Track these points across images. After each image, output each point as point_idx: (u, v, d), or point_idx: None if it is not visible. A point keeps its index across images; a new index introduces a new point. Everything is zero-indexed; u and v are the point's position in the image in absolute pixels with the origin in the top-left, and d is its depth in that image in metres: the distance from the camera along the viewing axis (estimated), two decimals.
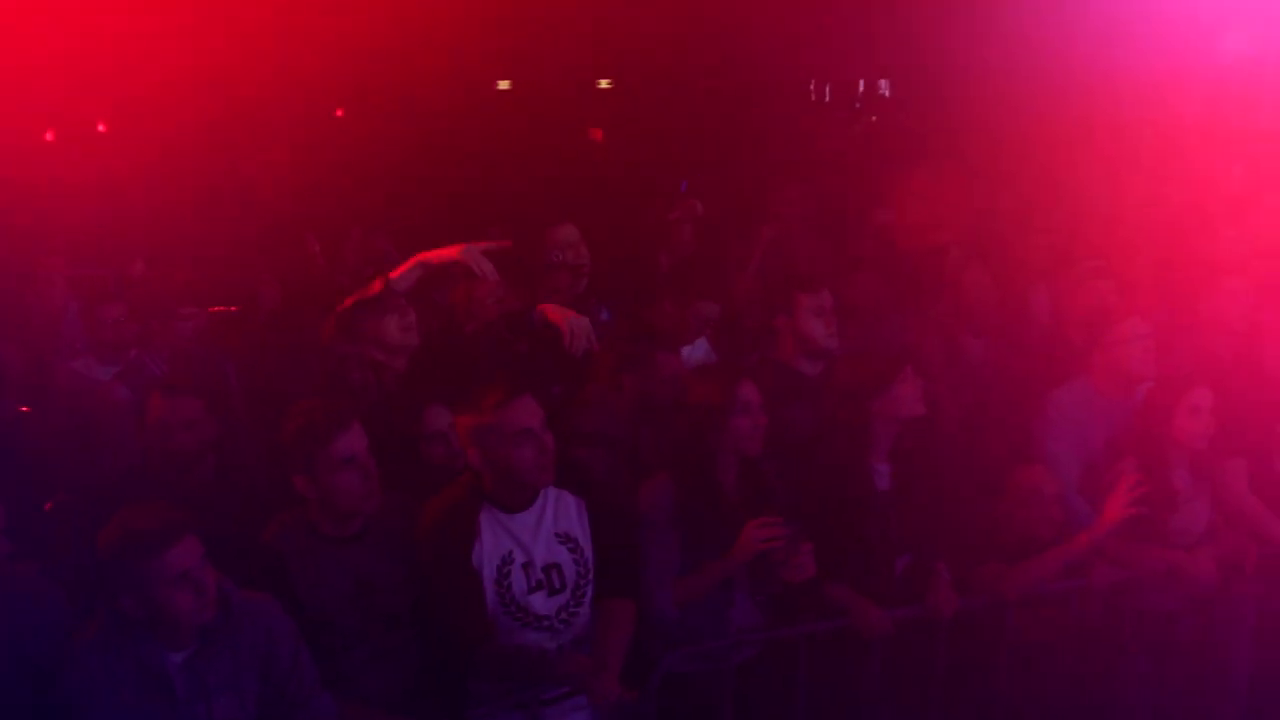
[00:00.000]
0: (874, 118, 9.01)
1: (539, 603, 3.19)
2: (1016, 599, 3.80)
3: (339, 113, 8.40)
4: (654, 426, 3.90)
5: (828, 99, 9.23)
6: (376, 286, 3.85)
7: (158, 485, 3.42)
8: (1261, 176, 5.78)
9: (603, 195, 7.04)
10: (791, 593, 3.55)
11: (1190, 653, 4.14)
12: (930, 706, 3.84)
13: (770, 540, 3.41)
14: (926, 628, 3.74)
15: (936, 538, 3.84)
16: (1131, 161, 5.77)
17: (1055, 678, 3.97)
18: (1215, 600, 4.07)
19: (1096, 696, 4.04)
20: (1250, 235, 5.13)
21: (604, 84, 9.00)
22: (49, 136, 8.27)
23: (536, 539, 3.21)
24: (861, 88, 9.27)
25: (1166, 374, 4.00)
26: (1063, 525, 3.95)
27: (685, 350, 4.64)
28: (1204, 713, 4.25)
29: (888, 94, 9.07)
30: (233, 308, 5.09)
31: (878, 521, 3.78)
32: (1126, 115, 6.22)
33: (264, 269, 5.55)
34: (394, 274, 3.97)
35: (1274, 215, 5.36)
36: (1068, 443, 4.07)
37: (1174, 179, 5.56)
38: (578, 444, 3.82)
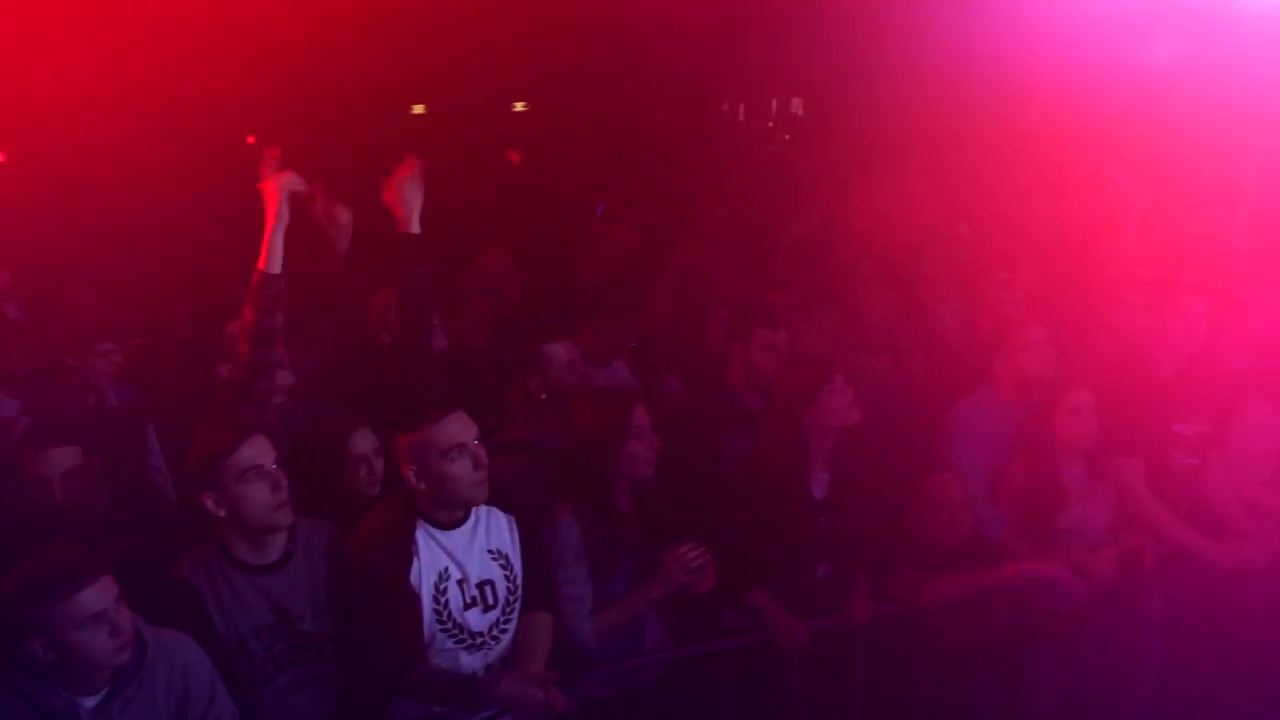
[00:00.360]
0: (787, 136, 9.20)
1: (474, 619, 3.23)
2: (931, 609, 3.91)
3: (250, 139, 8.30)
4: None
5: (742, 118, 9.39)
6: (255, 279, 3.77)
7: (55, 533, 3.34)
8: (1160, 186, 6.02)
9: (521, 218, 7.06)
10: (702, 604, 3.61)
11: (1099, 650, 4.28)
12: (851, 714, 3.92)
13: (693, 573, 3.46)
14: (844, 636, 3.83)
15: (862, 546, 3.93)
16: (1038, 172, 5.96)
17: (971, 681, 4.07)
18: (1120, 597, 4.22)
19: (1011, 697, 4.15)
20: (1146, 244, 5.34)
21: (519, 107, 9.04)
22: None
23: (471, 556, 3.25)
24: (775, 107, 9.45)
25: (1058, 377, 4.14)
26: (973, 531, 4.08)
27: (603, 371, 4.71)
28: (1115, 707, 4.40)
29: (800, 112, 9.25)
30: (137, 340, 4.99)
31: (810, 529, 3.87)
32: (1033, 127, 6.41)
33: (174, 299, 5.46)
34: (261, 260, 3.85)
35: (1169, 225, 5.59)
36: (974, 450, 4.19)
37: (1078, 189, 5.76)
38: (507, 454, 3.88)
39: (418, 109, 8.83)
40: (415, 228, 3.65)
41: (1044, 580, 3.95)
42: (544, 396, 4.11)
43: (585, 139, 7.90)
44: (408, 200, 3.65)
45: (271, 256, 3.49)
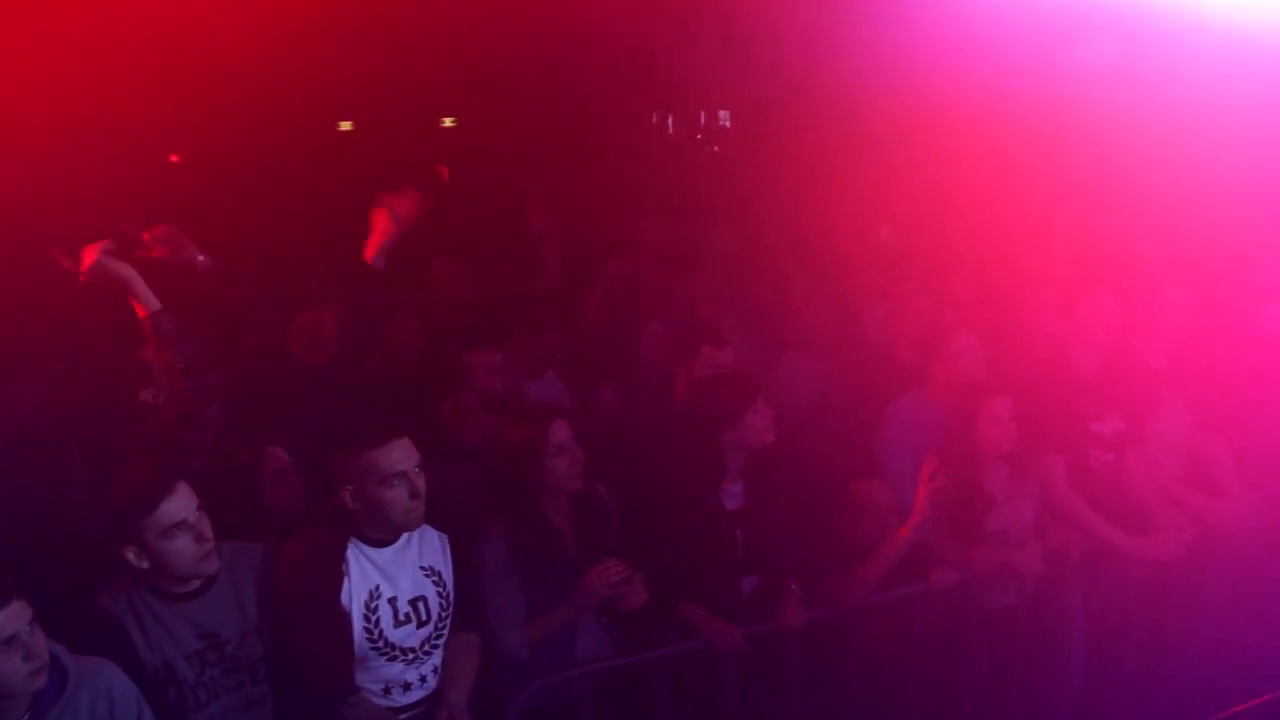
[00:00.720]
0: (716, 148, 9.29)
1: (405, 636, 3.24)
2: (855, 605, 3.97)
3: (174, 158, 8.16)
4: None
5: (670, 131, 9.46)
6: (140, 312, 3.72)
7: None
8: (1076, 191, 6.20)
9: (451, 231, 7.03)
10: (637, 616, 3.64)
11: (1027, 644, 4.39)
12: (786, 718, 3.96)
13: (615, 586, 3.49)
14: (778, 641, 3.88)
15: (786, 554, 3.99)
16: (960, 178, 6.09)
17: (902, 681, 4.15)
18: (1046, 592, 4.33)
19: (944, 695, 4.23)
20: (1063, 247, 5.50)
21: (448, 122, 9.00)
22: None
23: (403, 573, 3.26)
24: (703, 119, 9.54)
25: (978, 383, 4.24)
26: None
27: (535, 384, 4.72)
28: (1044, 700, 4.50)
29: (728, 124, 9.34)
30: (59, 364, 4.87)
31: (726, 540, 3.91)
32: (955, 133, 6.55)
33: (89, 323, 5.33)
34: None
35: (1085, 229, 5.76)
36: (907, 455, 4.27)
37: (1000, 194, 5.91)
38: (448, 460, 3.89)
39: (345, 125, 8.76)
40: (379, 263, 3.63)
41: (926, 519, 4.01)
42: (473, 404, 4.13)
43: (514, 153, 7.90)
44: (389, 232, 3.64)
45: (143, 301, 3.35)
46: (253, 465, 3.70)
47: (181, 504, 2.95)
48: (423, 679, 3.29)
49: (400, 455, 3.14)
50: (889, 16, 6.51)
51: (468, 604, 3.39)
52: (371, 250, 3.68)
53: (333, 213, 7.13)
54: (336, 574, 3.14)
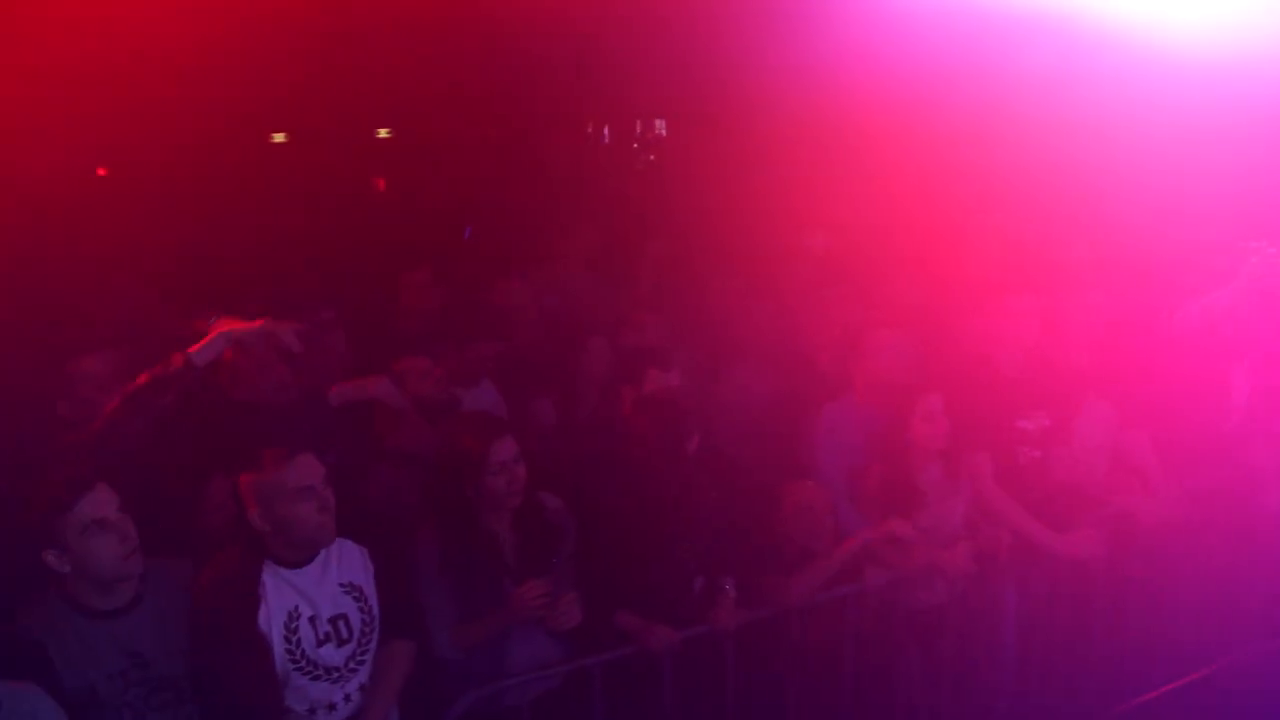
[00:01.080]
0: (652, 156, 9.35)
1: (328, 654, 3.22)
2: (797, 607, 4.01)
3: (101, 171, 8.04)
4: None
5: (606, 139, 9.49)
6: (177, 362, 3.74)
7: None
8: (1001, 196, 6.34)
9: (389, 242, 7.00)
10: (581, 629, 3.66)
11: (960, 641, 4.46)
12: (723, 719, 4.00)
13: (537, 599, 3.50)
14: (714, 643, 3.91)
15: (723, 557, 4.02)
16: (888, 183, 6.20)
17: (838, 679, 4.20)
18: (979, 588, 4.41)
19: (879, 694, 4.29)
20: (988, 250, 5.61)
21: (383, 133, 8.96)
22: None
23: (322, 591, 3.24)
24: (639, 128, 9.58)
25: (909, 383, 4.32)
26: (836, 534, 4.21)
27: (470, 392, 4.71)
28: (979, 695, 4.58)
29: (664, 133, 9.40)
30: None
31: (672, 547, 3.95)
32: (885, 138, 6.66)
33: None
34: (194, 348, 3.85)
35: (1010, 232, 5.89)
36: (836, 455, 4.34)
37: (928, 198, 6.02)
38: (386, 463, 3.87)
39: (278, 137, 8.68)
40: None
41: (884, 539, 4.08)
42: (403, 409, 4.13)
43: (450, 164, 7.89)
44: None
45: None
46: (192, 496, 3.68)
47: (101, 502, 2.93)
48: (347, 697, 3.27)
49: (305, 470, 3.14)
50: (820, 25, 6.61)
51: (399, 610, 3.38)
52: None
53: (265, 228, 7.11)
54: (250, 597, 3.12)
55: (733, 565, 3.98)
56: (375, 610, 3.32)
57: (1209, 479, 4.86)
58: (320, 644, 3.20)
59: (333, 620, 3.24)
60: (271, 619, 3.14)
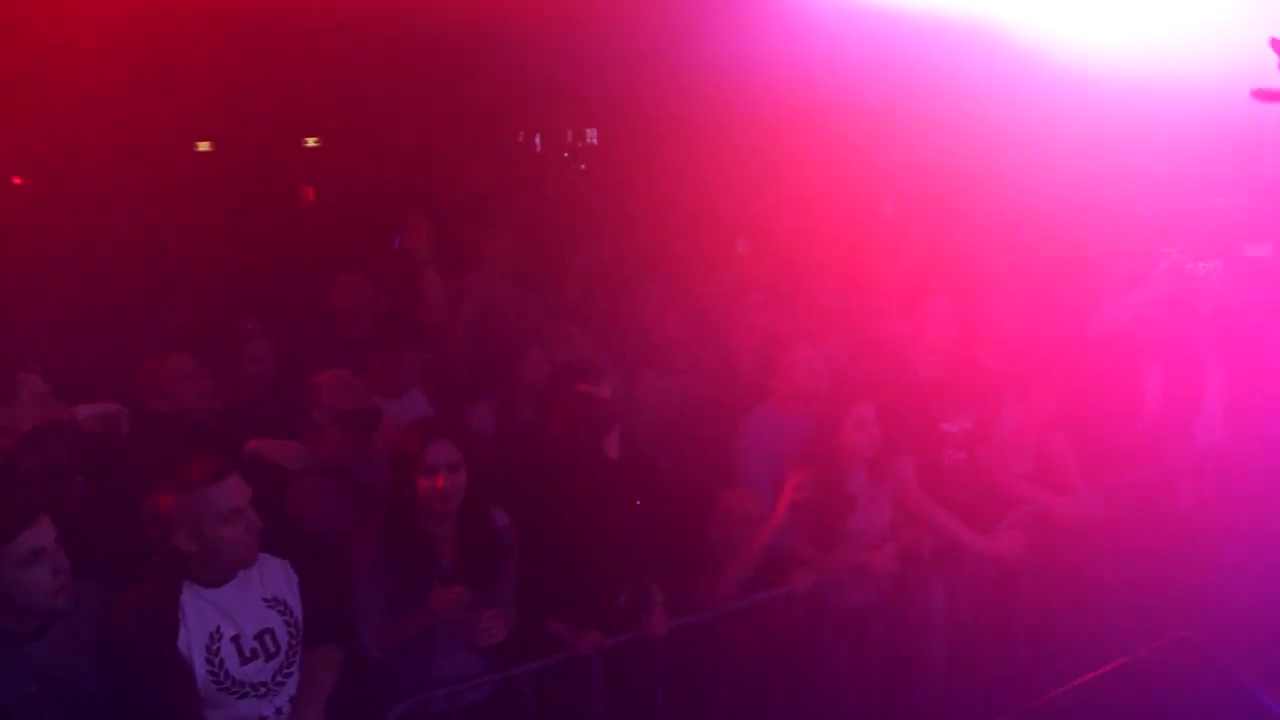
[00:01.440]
0: (583, 165, 9.36)
1: (254, 671, 3.19)
2: (719, 611, 4.05)
3: (16, 180, 7.84)
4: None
5: (538, 149, 9.49)
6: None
7: None
8: (921, 206, 6.47)
9: (320, 254, 6.93)
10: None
11: (888, 640, 4.54)
12: None
13: (455, 604, 3.49)
14: (645, 649, 3.93)
15: (652, 564, 4.04)
16: (811, 191, 6.29)
17: (768, 683, 4.25)
18: (906, 589, 4.49)
19: (809, 695, 4.35)
20: (908, 258, 5.72)
21: (311, 142, 8.86)
22: None
23: (245, 608, 3.20)
24: (570, 137, 9.59)
25: (837, 390, 4.39)
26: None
27: (398, 401, 4.69)
28: (907, 693, 4.66)
29: (595, 142, 9.42)
30: None
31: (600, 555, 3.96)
32: (804, 148, 6.77)
33: None
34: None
35: (929, 240, 6.01)
36: (762, 463, 4.39)
37: (847, 207, 6.13)
38: (312, 475, 3.83)
39: (203, 146, 8.54)
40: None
41: (787, 522, 4.13)
42: (322, 422, 4.11)
43: (380, 173, 7.83)
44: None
45: None
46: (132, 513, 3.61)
47: (41, 533, 2.89)
48: (278, 710, 3.24)
49: (233, 492, 3.10)
50: (746, 36, 6.69)
51: (325, 615, 3.35)
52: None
53: (190, 238, 6.99)
54: (168, 621, 3.07)
55: (661, 572, 4.01)
56: (300, 623, 3.29)
57: (1124, 478, 5.02)
58: (246, 662, 3.16)
59: (258, 636, 3.20)
60: (192, 642, 3.09)
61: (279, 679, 3.24)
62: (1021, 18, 7.10)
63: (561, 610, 3.84)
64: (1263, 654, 4.37)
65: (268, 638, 3.22)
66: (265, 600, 3.23)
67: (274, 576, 3.27)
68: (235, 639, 3.15)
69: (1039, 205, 6.14)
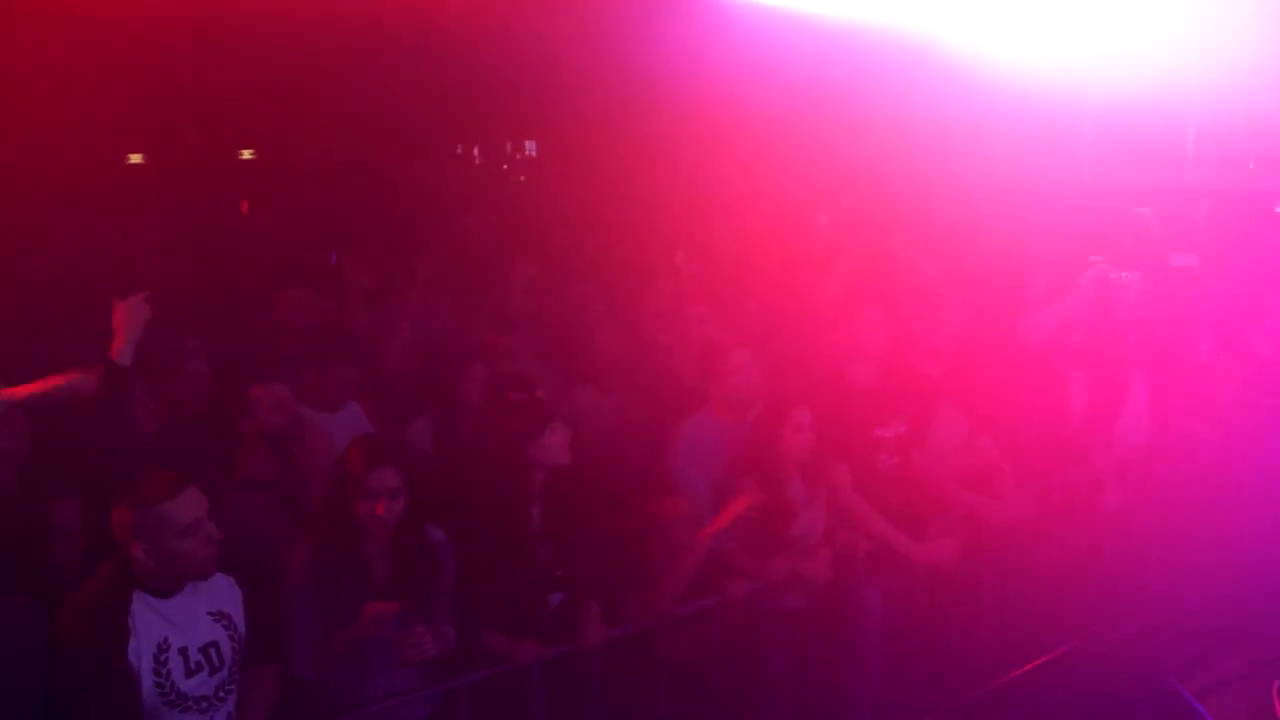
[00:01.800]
0: (522, 177, 9.38)
1: (199, 685, 3.17)
2: (656, 620, 4.08)
3: None
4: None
5: (477, 161, 9.48)
6: None
7: None
8: (857, 216, 6.58)
9: (254, 267, 6.87)
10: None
11: (825, 645, 4.60)
12: None
13: (386, 620, 3.50)
14: (582, 660, 3.95)
15: (588, 573, 4.06)
16: (748, 202, 6.38)
17: (707, 690, 4.29)
18: (840, 594, 4.55)
19: (746, 700, 4.40)
20: (845, 267, 5.83)
21: (246, 154, 8.77)
22: None
23: (193, 621, 3.19)
24: (509, 150, 9.60)
25: (774, 398, 4.46)
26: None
27: (335, 416, 4.66)
28: (845, 696, 4.73)
29: (534, 154, 9.44)
30: None
31: (530, 561, 3.97)
32: (740, 161, 6.85)
33: None
34: None
35: (865, 250, 6.12)
36: (697, 470, 4.43)
37: (786, 219, 6.21)
38: (238, 492, 3.81)
39: (135, 158, 8.41)
40: (126, 359, 3.56)
41: (728, 529, 4.17)
42: (251, 437, 4.10)
43: (317, 186, 7.78)
44: (129, 328, 3.58)
45: None
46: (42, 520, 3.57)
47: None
48: None
49: (192, 504, 3.09)
50: (686, 49, 6.77)
51: (264, 635, 3.34)
52: (116, 350, 3.65)
53: (124, 253, 6.90)
54: (118, 630, 3.04)
55: (598, 581, 4.03)
56: (244, 638, 3.28)
57: (1052, 481, 5.15)
58: (191, 674, 3.14)
59: (204, 649, 3.19)
60: (141, 651, 3.07)
61: (221, 694, 3.22)
62: (953, 32, 7.28)
63: (498, 622, 3.85)
64: (1184, 649, 4.51)
65: (212, 651, 3.20)
66: (211, 614, 3.22)
67: (219, 590, 3.26)
68: (182, 650, 3.14)
69: (970, 215, 6.28)
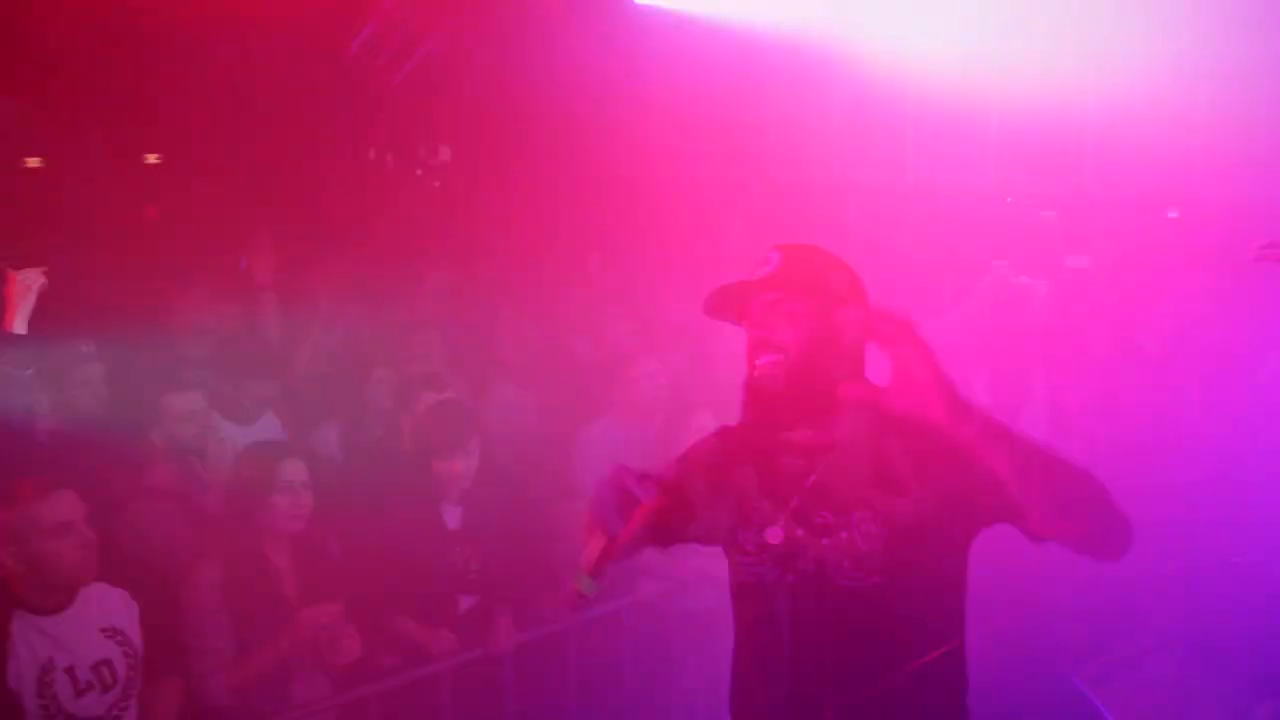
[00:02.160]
0: (437, 183, 9.34)
1: (90, 705, 3.12)
2: (566, 622, 4.12)
3: None
4: None
5: (390, 166, 9.42)
6: None
7: None
8: (769, 219, 6.68)
9: (161, 272, 6.74)
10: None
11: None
12: None
13: (325, 626, 3.48)
14: (494, 665, 3.97)
15: (501, 576, 4.08)
16: (659, 207, 6.45)
17: (619, 689, 4.33)
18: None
19: (657, 696, 4.44)
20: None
21: (152, 159, 8.61)
22: None
23: (80, 638, 3.13)
24: (423, 154, 9.54)
25: (678, 401, 4.52)
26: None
27: (251, 429, 4.63)
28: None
29: (449, 159, 9.41)
30: None
31: (448, 560, 3.98)
32: (656, 165, 6.92)
33: None
34: None
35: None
36: (597, 475, 4.45)
37: (694, 221, 6.30)
38: (147, 500, 3.76)
39: (33, 162, 8.20)
40: (21, 328, 3.52)
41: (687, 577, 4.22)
42: (158, 446, 4.04)
43: (224, 192, 7.66)
44: (19, 300, 3.53)
45: None
46: None
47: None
48: None
49: (63, 506, 3.03)
50: (601, 55, 6.81)
51: (165, 649, 3.28)
52: (10, 322, 3.59)
53: (21, 257, 6.71)
54: None
55: (507, 585, 4.05)
56: (140, 654, 3.23)
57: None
58: (80, 694, 3.08)
59: (94, 667, 3.13)
60: (23, 673, 2.99)
61: (116, 712, 3.17)
62: (859, 37, 7.43)
63: (412, 614, 3.85)
64: (1080, 642, 4.66)
65: (104, 669, 3.14)
66: (103, 630, 3.17)
67: (112, 606, 3.21)
68: (69, 670, 3.07)
69: (876, 218, 6.41)
